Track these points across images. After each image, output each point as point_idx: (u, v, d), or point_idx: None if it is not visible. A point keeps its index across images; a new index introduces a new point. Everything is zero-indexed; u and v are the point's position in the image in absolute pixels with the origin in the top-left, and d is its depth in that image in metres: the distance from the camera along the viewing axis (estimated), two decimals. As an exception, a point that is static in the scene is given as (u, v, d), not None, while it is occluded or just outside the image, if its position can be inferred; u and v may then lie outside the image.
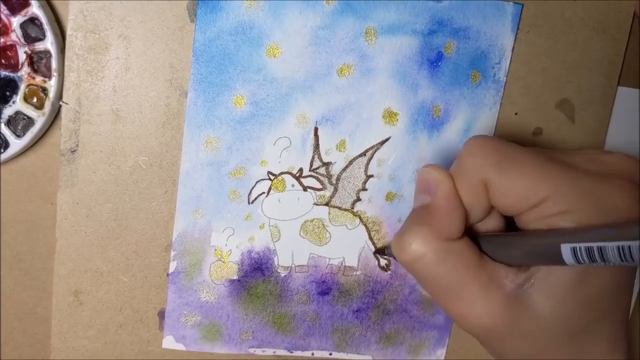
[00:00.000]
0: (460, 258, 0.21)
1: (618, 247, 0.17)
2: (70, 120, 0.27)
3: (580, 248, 0.18)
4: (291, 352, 0.32)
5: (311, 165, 0.30)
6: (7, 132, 0.27)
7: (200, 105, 0.28)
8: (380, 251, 0.31)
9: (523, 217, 0.21)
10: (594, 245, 0.18)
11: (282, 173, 0.29)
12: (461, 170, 0.22)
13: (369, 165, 0.30)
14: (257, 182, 0.29)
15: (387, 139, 0.30)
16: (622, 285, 0.22)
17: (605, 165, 0.22)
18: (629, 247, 0.17)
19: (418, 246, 0.21)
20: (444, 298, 0.22)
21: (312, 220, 0.30)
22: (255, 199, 0.29)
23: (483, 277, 0.21)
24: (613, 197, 0.20)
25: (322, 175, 0.30)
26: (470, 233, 0.23)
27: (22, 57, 0.26)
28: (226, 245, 0.30)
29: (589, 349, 0.22)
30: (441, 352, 0.33)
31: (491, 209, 0.23)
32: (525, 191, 0.21)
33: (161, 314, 0.30)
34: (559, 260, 0.19)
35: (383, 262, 0.31)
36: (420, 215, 0.22)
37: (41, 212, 0.29)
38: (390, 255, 0.29)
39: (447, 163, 0.30)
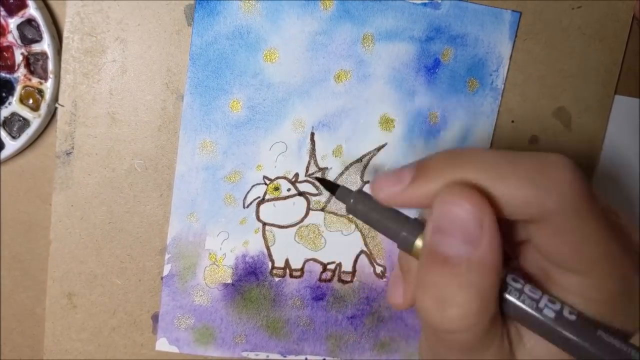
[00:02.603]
0: (494, 329, 0.17)
1: None
2: (65, 122, 0.27)
3: None
4: (284, 357, 0.32)
5: (307, 171, 0.29)
6: (2, 134, 0.27)
7: (197, 109, 0.28)
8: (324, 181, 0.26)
9: (558, 274, 0.18)
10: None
11: (277, 178, 0.29)
12: (526, 179, 0.17)
13: (365, 171, 0.30)
14: (252, 186, 0.29)
15: (383, 145, 0.30)
16: None
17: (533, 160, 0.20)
18: None
19: (463, 322, 0.17)
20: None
21: (307, 226, 0.30)
22: (251, 203, 0.29)
23: (502, 340, 0.18)
24: (554, 173, 0.17)
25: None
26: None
27: (18, 58, 0.26)
28: (220, 249, 0.30)
29: None
30: None
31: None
32: (582, 249, 0.17)
33: (155, 318, 0.30)
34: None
35: (379, 269, 0.31)
36: (461, 278, 0.17)
37: (40, 213, 0.29)
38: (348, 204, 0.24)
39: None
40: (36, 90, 0.26)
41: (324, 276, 0.31)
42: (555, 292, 0.18)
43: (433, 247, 0.17)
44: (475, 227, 0.16)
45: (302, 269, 0.31)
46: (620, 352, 0.16)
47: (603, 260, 0.17)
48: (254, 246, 0.30)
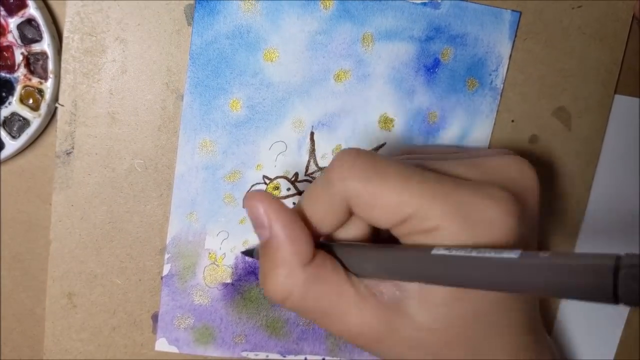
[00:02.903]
0: (324, 280, 0.21)
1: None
2: (65, 122, 0.27)
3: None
4: (284, 356, 0.32)
5: (307, 170, 0.30)
6: (2, 133, 0.27)
7: (196, 109, 0.28)
8: (247, 253, 0.29)
9: (395, 231, 0.21)
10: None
11: (277, 177, 0.29)
12: (326, 183, 0.21)
13: (365, 171, 0.30)
14: (252, 186, 0.29)
15: (382, 145, 0.30)
16: (510, 299, 0.21)
17: (489, 171, 0.21)
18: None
19: (279, 289, 0.20)
20: (324, 323, 0.21)
21: (307, 225, 0.30)
22: (251, 203, 0.29)
23: (351, 291, 0.21)
24: (484, 210, 0.19)
25: (317, 180, 0.30)
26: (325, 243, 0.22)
27: (18, 58, 0.26)
28: (220, 248, 0.30)
29: (486, 353, 0.21)
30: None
31: (349, 219, 0.22)
32: (390, 206, 0.20)
33: (155, 317, 0.30)
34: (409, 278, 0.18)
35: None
36: (268, 255, 0.21)
37: (40, 213, 0.29)
38: (257, 256, 0.28)
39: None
40: (36, 90, 0.26)
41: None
42: None
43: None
44: (264, 216, 0.20)
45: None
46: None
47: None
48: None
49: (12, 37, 0.26)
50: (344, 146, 0.29)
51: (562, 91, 0.31)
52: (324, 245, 0.22)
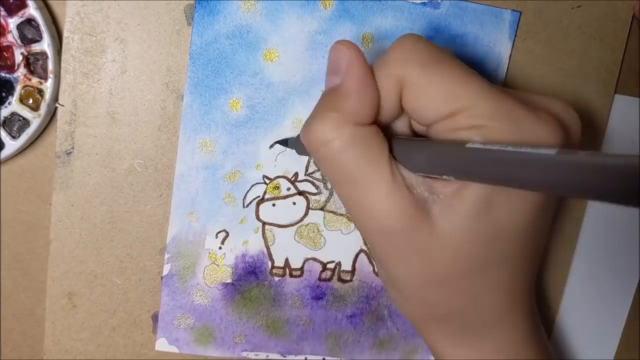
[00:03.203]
0: (369, 146, 0.20)
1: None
2: (65, 122, 0.27)
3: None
4: (284, 357, 0.32)
5: (307, 170, 0.30)
6: (2, 133, 0.27)
7: (196, 109, 0.28)
8: (283, 142, 0.29)
9: (434, 128, 0.20)
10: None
11: (277, 177, 0.29)
12: (383, 63, 0.20)
13: (365, 171, 0.30)
14: (252, 185, 0.29)
15: (383, 145, 0.30)
16: (532, 230, 0.21)
17: (540, 105, 0.21)
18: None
19: (325, 131, 0.20)
20: (345, 190, 0.21)
21: (307, 225, 0.30)
22: (250, 202, 0.29)
23: (390, 173, 0.20)
24: (533, 125, 0.19)
25: (317, 179, 0.30)
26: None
27: (18, 58, 0.26)
28: (220, 248, 0.30)
29: (481, 292, 0.21)
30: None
31: (402, 113, 0.22)
32: (442, 96, 0.19)
33: (155, 317, 0.30)
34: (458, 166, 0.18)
35: (377, 267, 0.31)
36: (329, 98, 0.21)
37: (40, 213, 0.29)
38: (293, 146, 0.28)
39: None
40: (36, 90, 0.26)
41: (323, 275, 0.31)
42: None
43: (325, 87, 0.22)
44: (344, 61, 0.20)
45: (301, 269, 0.31)
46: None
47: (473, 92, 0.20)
48: (254, 246, 0.30)
49: (12, 37, 0.26)
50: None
51: (563, 91, 0.31)
52: None
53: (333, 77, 0.21)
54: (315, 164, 0.23)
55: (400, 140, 0.21)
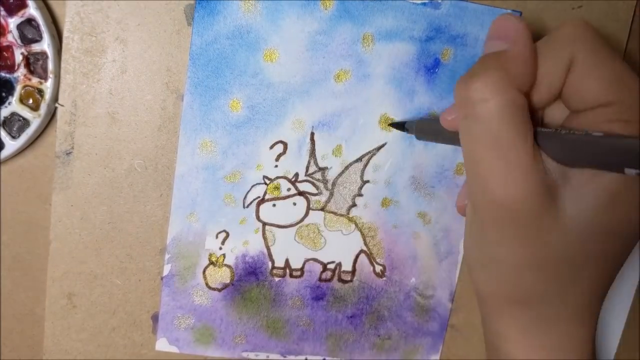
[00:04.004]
0: (523, 116, 0.20)
1: None
2: (65, 122, 0.27)
3: None
4: (284, 357, 0.32)
5: (307, 170, 0.29)
6: (2, 133, 0.27)
7: (196, 109, 0.28)
8: (399, 125, 0.29)
9: (582, 116, 0.20)
10: None
11: (277, 177, 0.29)
12: (550, 40, 0.21)
13: (365, 171, 0.30)
14: (252, 186, 0.29)
15: (383, 145, 0.30)
16: (638, 234, 0.21)
17: None
18: None
19: (487, 88, 0.20)
20: (487, 151, 0.20)
21: (307, 225, 0.30)
22: (251, 203, 0.29)
23: (533, 149, 0.20)
24: None
25: (317, 180, 0.30)
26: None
27: (18, 58, 0.26)
28: (220, 249, 0.30)
29: (573, 284, 0.21)
30: (435, 359, 0.33)
31: (556, 98, 0.22)
32: (608, 80, 0.20)
33: (154, 318, 0.30)
34: (617, 163, 0.18)
35: (378, 268, 0.31)
36: (493, 60, 0.20)
37: (40, 213, 0.29)
38: (412, 131, 0.28)
39: (443, 170, 0.30)
40: (36, 90, 0.26)
41: (324, 276, 0.31)
42: None
43: (484, 52, 0.22)
44: (514, 29, 0.21)
45: (302, 269, 0.31)
46: None
47: (622, 83, 0.20)
48: (254, 246, 0.30)
49: (12, 37, 0.26)
50: (344, 146, 0.29)
51: (562, 91, 0.31)
52: None
53: (496, 42, 0.21)
54: (451, 126, 0.23)
55: (543, 128, 0.21)
